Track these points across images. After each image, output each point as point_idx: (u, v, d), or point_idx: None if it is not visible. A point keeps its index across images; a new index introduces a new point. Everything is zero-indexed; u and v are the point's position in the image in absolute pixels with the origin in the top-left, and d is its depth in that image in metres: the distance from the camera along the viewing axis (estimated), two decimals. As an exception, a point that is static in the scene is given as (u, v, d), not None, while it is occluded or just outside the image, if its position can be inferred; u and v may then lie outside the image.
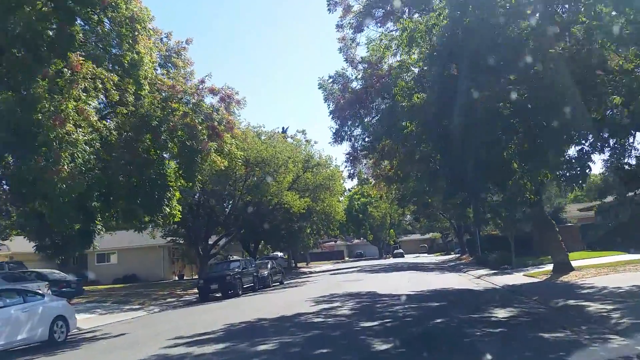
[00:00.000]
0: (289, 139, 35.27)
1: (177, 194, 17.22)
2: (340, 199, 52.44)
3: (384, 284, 22.46)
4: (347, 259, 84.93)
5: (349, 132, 19.19)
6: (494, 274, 24.33)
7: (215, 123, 15.82)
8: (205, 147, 14.63)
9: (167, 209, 15.46)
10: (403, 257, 71.46)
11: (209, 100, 17.19)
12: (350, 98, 16.86)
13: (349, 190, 68.92)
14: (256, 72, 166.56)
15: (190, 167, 14.99)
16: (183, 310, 19.85)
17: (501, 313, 11.66)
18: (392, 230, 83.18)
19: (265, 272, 27.63)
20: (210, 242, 35.00)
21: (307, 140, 35.30)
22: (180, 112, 14.44)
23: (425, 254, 79.35)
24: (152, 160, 13.99)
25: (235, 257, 50.22)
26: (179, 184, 16.65)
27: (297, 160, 30.69)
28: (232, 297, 22.75)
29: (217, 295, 23.39)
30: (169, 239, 34.05)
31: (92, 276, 41.54)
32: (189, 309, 20.08)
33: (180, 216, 17.59)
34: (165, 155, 14.79)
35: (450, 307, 13.82)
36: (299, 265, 60.50)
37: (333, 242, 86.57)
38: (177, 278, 41.22)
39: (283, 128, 36.64)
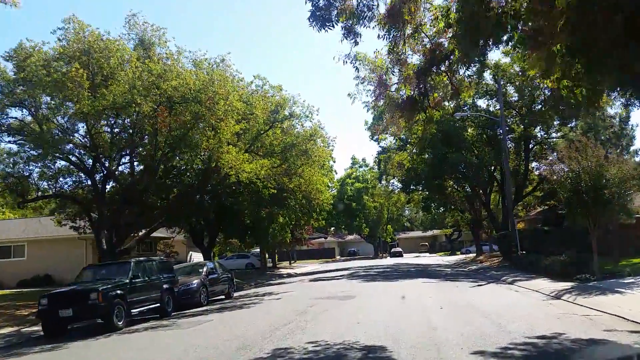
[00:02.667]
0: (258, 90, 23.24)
1: None
2: (330, 185, 41.30)
3: (398, 314, 11.67)
4: (338, 257, 75.02)
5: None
6: (578, 289, 14.10)
7: None
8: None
9: None
10: (402, 256, 63.68)
11: None
12: None
13: (337, 177, 57.94)
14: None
15: None
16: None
17: None
18: (389, 226, 73.40)
19: (195, 283, 16.64)
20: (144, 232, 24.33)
21: (279, 90, 23.55)
22: None
23: (427, 254, 71.57)
24: None
25: (192, 260, 39.31)
26: None
27: (257, 105, 18.85)
28: (108, 330, 12.01)
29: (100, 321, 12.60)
30: (68, 225, 23.11)
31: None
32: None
33: None
34: None
35: None
36: (279, 265, 49.66)
37: (323, 238, 77.05)
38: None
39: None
